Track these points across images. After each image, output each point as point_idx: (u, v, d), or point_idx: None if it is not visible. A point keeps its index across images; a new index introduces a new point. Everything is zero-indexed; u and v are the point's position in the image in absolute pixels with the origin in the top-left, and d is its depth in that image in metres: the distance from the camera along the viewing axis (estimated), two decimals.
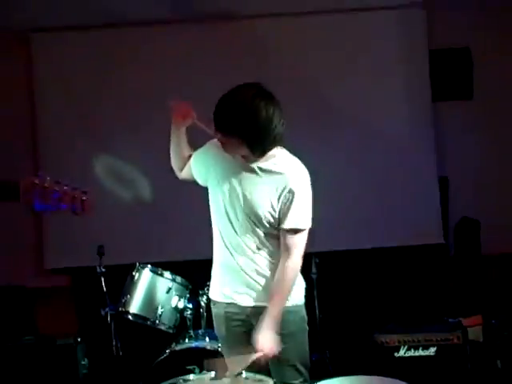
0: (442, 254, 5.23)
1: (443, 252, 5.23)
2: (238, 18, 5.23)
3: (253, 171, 2.91)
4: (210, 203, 3.04)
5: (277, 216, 2.91)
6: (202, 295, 4.01)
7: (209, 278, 3.72)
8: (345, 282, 5.14)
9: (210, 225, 3.07)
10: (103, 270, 4.22)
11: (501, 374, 4.26)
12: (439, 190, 5.22)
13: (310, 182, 2.96)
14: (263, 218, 2.90)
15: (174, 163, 3.20)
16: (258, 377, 2.93)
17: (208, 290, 3.88)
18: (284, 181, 2.88)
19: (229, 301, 3.03)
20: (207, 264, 3.20)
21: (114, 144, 5.35)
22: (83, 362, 4.64)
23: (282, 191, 2.88)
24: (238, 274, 2.98)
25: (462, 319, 4.48)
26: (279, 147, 2.92)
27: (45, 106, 5.42)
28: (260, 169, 2.89)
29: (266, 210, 2.90)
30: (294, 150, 3.01)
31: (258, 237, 2.95)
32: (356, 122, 5.22)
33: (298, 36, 5.24)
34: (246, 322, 3.03)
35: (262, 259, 2.97)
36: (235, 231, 2.95)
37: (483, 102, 5.29)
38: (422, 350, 4.14)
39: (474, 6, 5.23)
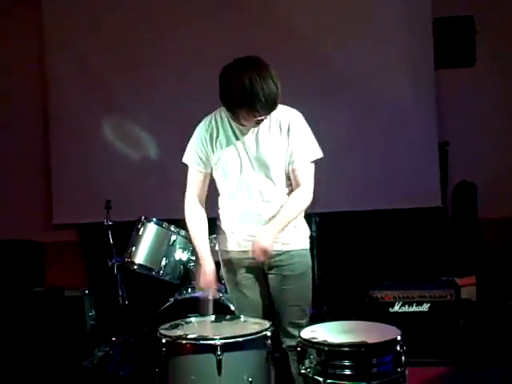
0: (439, 217, 5.34)
1: (441, 214, 5.34)
2: None
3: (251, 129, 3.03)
4: (220, 164, 3.13)
5: (286, 155, 3.03)
6: None
7: (211, 234, 3.83)
8: (344, 241, 5.26)
9: (214, 184, 3.19)
10: (110, 223, 4.32)
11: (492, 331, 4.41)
12: (439, 154, 5.31)
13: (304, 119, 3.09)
14: (275, 164, 3.03)
15: None
16: (256, 320, 3.08)
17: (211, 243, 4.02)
18: (281, 120, 3.02)
19: (244, 249, 3.14)
20: (209, 221, 3.31)
21: (122, 104, 5.47)
22: (90, 314, 4.80)
23: (282, 129, 3.01)
24: (254, 222, 3.09)
25: (457, 279, 4.60)
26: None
27: (55, 68, 5.59)
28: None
29: (276, 156, 3.03)
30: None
31: (273, 183, 3.06)
32: (360, 87, 5.29)
33: (303, 1, 5.32)
34: (258, 269, 3.16)
35: (277, 204, 3.07)
36: (250, 183, 3.07)
37: (485, 70, 5.37)
38: (416, 306, 4.29)
39: None
